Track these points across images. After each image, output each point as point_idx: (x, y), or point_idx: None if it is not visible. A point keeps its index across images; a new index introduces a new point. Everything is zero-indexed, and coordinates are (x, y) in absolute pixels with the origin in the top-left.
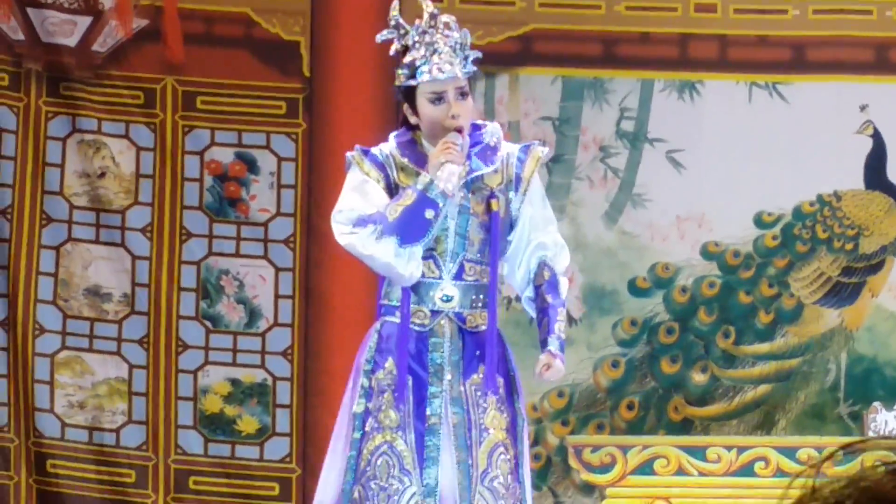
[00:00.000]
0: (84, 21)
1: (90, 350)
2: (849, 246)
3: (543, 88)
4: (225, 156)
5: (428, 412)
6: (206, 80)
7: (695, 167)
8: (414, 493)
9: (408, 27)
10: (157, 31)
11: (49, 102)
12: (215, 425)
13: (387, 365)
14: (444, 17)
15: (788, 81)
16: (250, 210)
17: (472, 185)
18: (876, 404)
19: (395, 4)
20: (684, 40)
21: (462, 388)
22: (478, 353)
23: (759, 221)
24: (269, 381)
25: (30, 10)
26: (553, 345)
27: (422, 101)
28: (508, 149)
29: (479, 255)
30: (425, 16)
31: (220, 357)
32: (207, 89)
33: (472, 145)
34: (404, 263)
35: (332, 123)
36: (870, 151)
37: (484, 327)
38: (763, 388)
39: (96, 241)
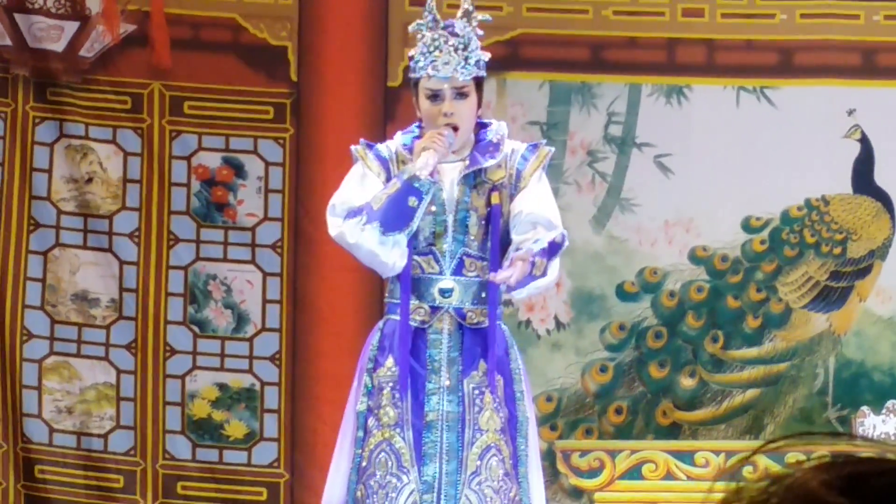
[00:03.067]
0: (71, 26)
1: (78, 355)
2: (837, 250)
3: (531, 93)
4: (212, 160)
5: (426, 409)
6: (194, 85)
7: (683, 172)
8: (413, 490)
9: (441, 21)
10: (144, 36)
11: (36, 108)
12: (203, 430)
13: (387, 363)
14: (479, 14)
15: (776, 86)
16: (238, 215)
17: (473, 180)
18: (864, 408)
19: None
20: (672, 45)
21: (460, 385)
22: (479, 349)
23: (747, 226)
24: (257, 386)
25: (17, 16)
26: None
27: (420, 97)
28: (514, 146)
29: (479, 250)
30: (460, 12)
31: (208, 362)
32: (195, 94)
33: (476, 143)
34: (388, 251)
35: (319, 128)
36: (857, 156)
37: (485, 324)
38: (751, 393)
39: (84, 247)
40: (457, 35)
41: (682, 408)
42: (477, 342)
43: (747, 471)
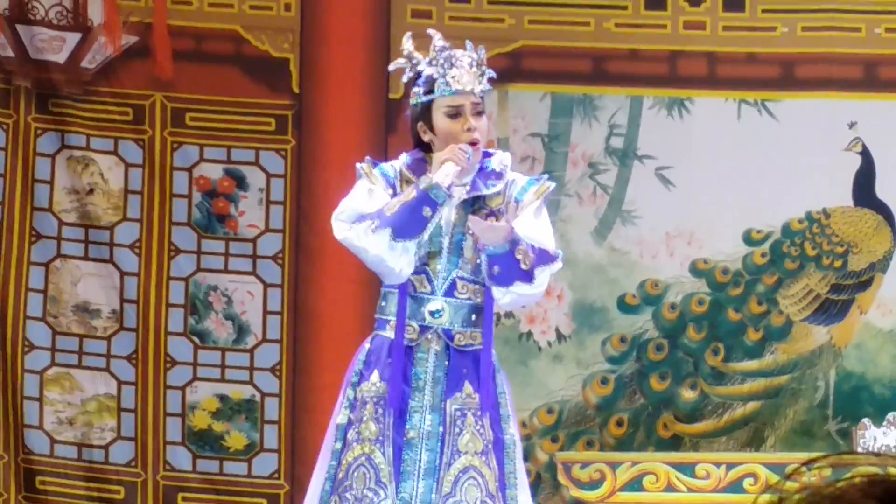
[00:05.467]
0: (73, 38)
1: (79, 366)
2: (837, 263)
3: (532, 105)
4: (214, 172)
5: (407, 426)
6: (196, 97)
7: (684, 184)
8: None
9: (420, 57)
10: (146, 47)
11: (38, 119)
12: (203, 441)
13: (372, 377)
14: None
15: (777, 98)
16: (239, 226)
17: (472, 205)
18: (864, 421)
19: (408, 36)
20: (673, 57)
21: (443, 405)
22: (464, 371)
23: (748, 238)
24: (258, 398)
25: (19, 27)
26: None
27: (438, 116)
28: (515, 177)
29: (473, 274)
30: (434, 46)
31: (209, 373)
32: (196, 106)
33: (479, 170)
34: (396, 257)
35: (321, 140)
36: (858, 168)
37: (474, 347)
38: (752, 405)
39: (85, 258)
40: (471, 52)
41: (683, 420)
42: (463, 364)
43: (748, 482)
